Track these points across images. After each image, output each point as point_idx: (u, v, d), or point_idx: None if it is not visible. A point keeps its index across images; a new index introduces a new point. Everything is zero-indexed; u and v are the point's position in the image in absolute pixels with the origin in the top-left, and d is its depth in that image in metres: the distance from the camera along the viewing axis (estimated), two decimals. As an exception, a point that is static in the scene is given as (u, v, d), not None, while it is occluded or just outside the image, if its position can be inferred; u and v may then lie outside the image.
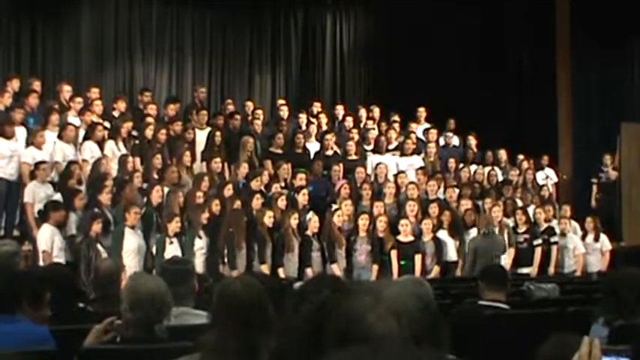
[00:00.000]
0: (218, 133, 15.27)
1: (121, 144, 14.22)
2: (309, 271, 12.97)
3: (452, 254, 14.35)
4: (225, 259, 12.82)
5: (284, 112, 17.31)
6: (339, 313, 2.11)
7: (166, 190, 13.26)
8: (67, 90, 15.23)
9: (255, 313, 3.92)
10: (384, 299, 2.07)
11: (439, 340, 2.12)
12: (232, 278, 4.71)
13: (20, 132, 13.47)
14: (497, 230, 14.03)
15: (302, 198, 14.09)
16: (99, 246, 11.58)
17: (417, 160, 16.56)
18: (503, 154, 17.62)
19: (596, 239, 15.29)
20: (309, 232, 13.38)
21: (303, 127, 16.86)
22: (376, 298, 2.08)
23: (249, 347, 3.71)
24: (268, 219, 13.04)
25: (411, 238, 13.87)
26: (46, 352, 4.53)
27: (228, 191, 13.63)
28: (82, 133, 14.04)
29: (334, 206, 14.24)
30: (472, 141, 17.87)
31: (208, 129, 15.58)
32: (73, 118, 14.42)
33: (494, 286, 7.10)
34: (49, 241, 11.54)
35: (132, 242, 12.07)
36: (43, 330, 4.92)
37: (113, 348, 4.75)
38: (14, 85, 14.61)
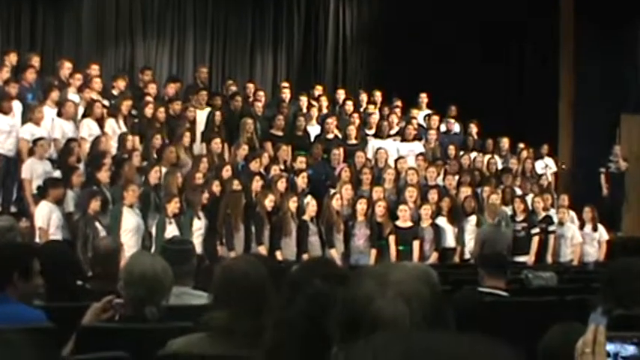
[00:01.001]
0: (218, 114, 15.24)
1: (121, 122, 14.19)
2: (305, 257, 12.93)
3: (450, 241, 14.37)
4: (223, 240, 12.79)
5: (286, 94, 17.27)
6: (345, 299, 2.08)
7: (164, 170, 13.22)
8: (67, 67, 15.15)
9: (260, 292, 3.90)
10: (392, 283, 2.04)
11: (447, 323, 2.10)
12: (235, 259, 4.68)
13: (17, 107, 13.41)
14: (504, 220, 14.02)
15: (301, 181, 14.07)
16: (97, 224, 11.56)
17: (418, 146, 16.55)
18: (505, 142, 17.62)
19: (594, 229, 15.31)
20: (306, 217, 13.35)
21: (304, 110, 16.81)
22: (383, 283, 2.05)
23: (254, 328, 3.68)
24: (269, 202, 13.01)
25: (409, 223, 13.87)
26: (44, 329, 4.50)
27: (227, 172, 13.60)
28: (80, 110, 13.99)
29: (333, 190, 14.21)
30: (473, 128, 17.89)
31: (208, 109, 15.54)
32: (72, 95, 14.36)
33: (494, 273, 7.09)
34: (46, 218, 11.51)
35: (130, 221, 12.04)
36: (36, 312, 4.87)
37: (112, 326, 4.72)
38: (12, 59, 14.54)
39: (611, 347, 2.63)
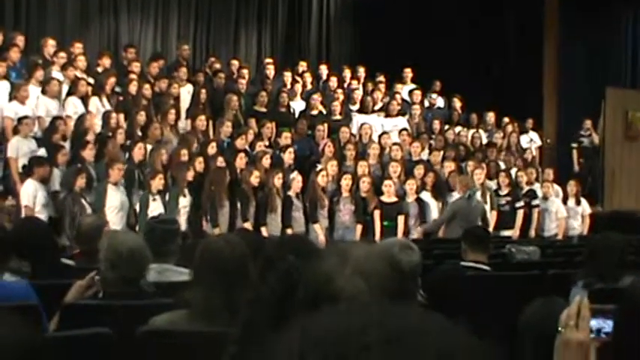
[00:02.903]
0: (203, 91, 15.23)
1: (105, 100, 14.17)
2: (289, 232, 12.97)
3: (434, 215, 14.39)
4: (208, 217, 12.82)
5: (270, 70, 17.25)
6: (308, 276, 2.12)
7: (149, 147, 13.22)
8: (51, 45, 15.10)
9: (238, 270, 3.94)
10: (351, 260, 2.08)
11: (409, 299, 2.13)
12: (215, 237, 4.72)
13: (1, 86, 13.38)
14: (479, 193, 14.05)
15: (287, 157, 14.09)
16: (83, 201, 11.59)
17: (402, 121, 16.56)
18: (491, 116, 17.70)
19: (578, 203, 15.38)
20: (291, 193, 13.38)
21: (288, 86, 16.80)
22: (343, 260, 2.08)
23: (233, 304, 3.73)
24: (254, 178, 13.03)
25: (394, 199, 13.90)
26: (28, 306, 4.53)
27: (212, 149, 13.61)
28: (65, 88, 13.97)
29: (319, 166, 14.23)
30: (457, 103, 17.92)
31: (189, 85, 15.52)
32: (56, 73, 14.32)
33: (476, 247, 7.15)
34: (31, 196, 11.51)
35: (115, 199, 12.05)
36: (21, 285, 4.91)
37: (95, 303, 4.76)
38: (-3, 39, 14.51)
39: (593, 323, 2.66)
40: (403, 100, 17.41)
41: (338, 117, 16.06)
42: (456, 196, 14.32)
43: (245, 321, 2.98)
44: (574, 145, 17.99)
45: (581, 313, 2.57)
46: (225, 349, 2.93)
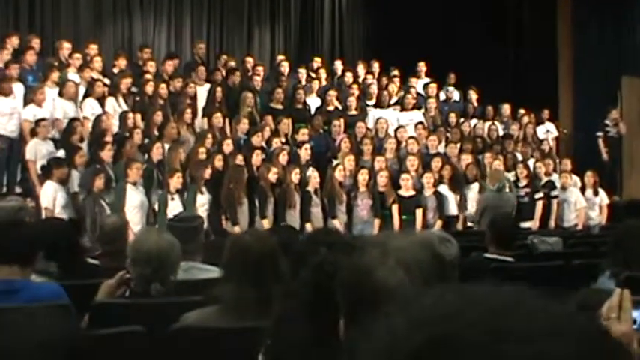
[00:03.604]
0: (219, 89, 15.24)
1: (121, 100, 14.20)
2: (308, 227, 12.97)
3: (453, 209, 14.38)
4: (228, 215, 12.84)
5: (284, 67, 17.26)
6: (348, 268, 2.11)
7: (167, 146, 13.25)
8: (66, 47, 15.19)
9: (268, 265, 3.95)
10: (392, 251, 2.07)
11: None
12: (243, 233, 4.73)
13: (18, 89, 13.43)
14: (507, 186, 14.04)
15: (304, 153, 14.10)
16: (102, 202, 11.62)
17: (418, 115, 16.54)
18: (506, 108, 17.66)
19: (595, 193, 15.33)
20: (309, 188, 13.39)
21: (303, 83, 16.80)
22: (383, 251, 2.07)
23: (264, 299, 3.73)
24: (272, 175, 13.05)
25: (412, 192, 13.90)
26: (60, 306, 4.55)
27: (228, 147, 13.62)
28: (81, 90, 14.01)
29: (335, 162, 14.23)
30: (473, 95, 17.89)
31: (207, 85, 15.55)
32: (72, 74, 14.38)
33: (501, 240, 7.12)
34: (51, 198, 11.55)
35: (134, 198, 12.07)
36: (53, 285, 4.93)
37: (125, 302, 4.77)
38: (13, 42, 14.55)
39: (635, 314, 2.62)
40: (418, 93, 17.38)
41: (354, 112, 16.06)
42: (474, 188, 14.31)
43: (279, 315, 2.99)
44: (599, 134, 17.78)
45: (622, 305, 2.54)
46: (258, 343, 2.94)
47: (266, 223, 12.78)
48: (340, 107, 16.21)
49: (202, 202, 12.65)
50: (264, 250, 4.00)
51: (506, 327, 0.97)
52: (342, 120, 15.57)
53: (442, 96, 17.97)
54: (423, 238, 2.22)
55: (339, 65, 18.27)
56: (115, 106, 14.01)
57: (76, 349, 1.79)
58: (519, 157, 15.90)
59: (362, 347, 1.09)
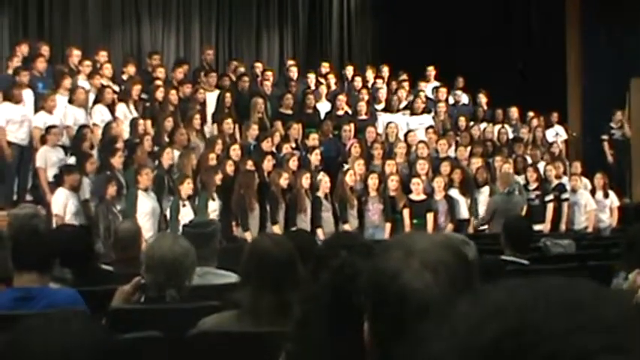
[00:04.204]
0: (228, 95, 15.25)
1: (132, 107, 14.23)
2: (319, 232, 12.97)
3: (464, 212, 14.38)
4: (239, 221, 12.84)
5: (293, 72, 17.27)
6: (371, 272, 2.09)
7: (177, 153, 13.26)
8: (76, 54, 15.23)
9: (287, 270, 3.94)
10: (416, 253, 2.05)
11: (474, 288, 2.09)
12: (261, 237, 4.72)
13: (28, 96, 13.46)
14: (517, 189, 14.04)
15: (315, 158, 14.11)
16: (114, 209, 11.63)
17: (427, 119, 16.54)
18: (514, 111, 17.65)
19: (606, 196, 15.31)
20: (320, 193, 13.39)
21: (312, 88, 16.82)
22: (408, 253, 2.06)
23: (283, 304, 3.73)
24: (283, 180, 13.05)
25: (423, 196, 13.90)
26: (81, 312, 4.56)
27: (235, 152, 13.60)
28: (91, 97, 14.04)
29: (346, 166, 14.24)
30: (482, 99, 17.89)
31: (216, 91, 15.57)
32: (82, 81, 14.41)
33: (517, 241, 7.11)
34: (62, 205, 11.55)
35: (146, 205, 12.07)
36: (69, 291, 4.94)
37: (141, 308, 4.77)
38: (23, 50, 14.60)
39: None
40: (427, 97, 17.38)
41: (364, 117, 16.06)
42: (484, 191, 14.31)
43: (300, 319, 2.98)
44: (604, 137, 17.80)
45: None
46: (279, 347, 2.93)
47: (277, 229, 12.76)
48: (350, 112, 16.22)
49: (213, 207, 12.65)
50: (283, 255, 4.00)
51: (584, 318, 0.98)
52: (351, 125, 15.58)
53: (451, 100, 17.96)
54: (446, 239, 2.21)
55: (349, 70, 18.26)
56: (125, 112, 14.03)
57: (110, 354, 1.79)
58: (529, 160, 15.89)
59: (429, 342, 1.09)
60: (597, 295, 1.02)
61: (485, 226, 13.91)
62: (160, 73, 15.67)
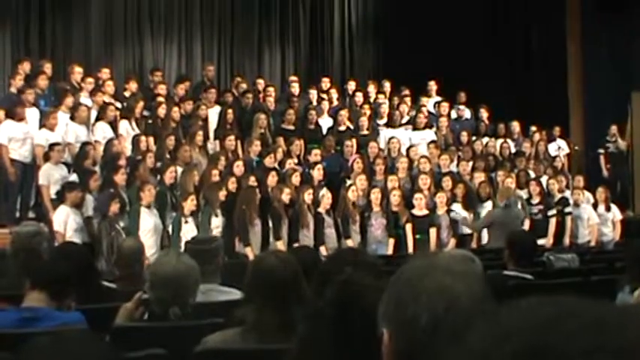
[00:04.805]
0: (230, 111, 15.26)
1: (134, 124, 14.24)
2: (322, 249, 12.94)
3: (466, 227, 14.34)
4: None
5: (295, 88, 17.30)
6: (397, 279, 2.05)
7: (179, 169, 13.26)
8: (78, 71, 15.23)
9: (291, 287, 3.93)
10: (439, 263, 2.03)
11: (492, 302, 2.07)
12: (265, 254, 4.71)
13: (31, 114, 13.47)
14: (519, 203, 14.03)
15: (317, 173, 14.10)
16: (117, 226, 11.61)
17: (429, 134, 16.55)
18: (516, 125, 17.68)
19: (608, 209, 15.30)
20: (322, 209, 13.37)
21: (314, 103, 16.84)
22: (431, 263, 2.04)
23: (287, 321, 3.72)
24: (286, 196, 13.05)
25: (425, 211, 13.87)
26: (87, 331, 4.54)
27: (238, 168, 13.61)
28: (93, 114, 14.05)
29: (348, 182, 14.24)
30: (484, 113, 17.93)
31: (217, 107, 15.58)
32: (84, 99, 14.43)
33: (521, 257, 7.10)
34: (62, 221, 11.54)
35: (148, 222, 12.05)
36: (76, 314, 4.93)
37: (145, 325, 4.76)
38: (25, 67, 14.62)
39: None
40: (429, 112, 17.39)
41: (365, 132, 16.08)
42: (487, 206, 14.29)
43: (304, 336, 2.97)
44: (601, 151, 17.88)
45: None
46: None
47: (280, 245, 12.74)
48: (352, 127, 16.23)
49: (216, 224, 12.63)
50: (288, 272, 3.98)
51: (604, 339, 0.97)
52: (354, 140, 15.60)
53: (453, 114, 17.96)
54: (464, 255, 2.19)
55: (351, 85, 18.28)
56: (127, 129, 14.04)
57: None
58: (532, 174, 15.90)
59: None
60: (617, 316, 1.02)
61: (484, 240, 13.90)
62: (162, 89, 15.69)
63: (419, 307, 1.88)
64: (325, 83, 18.13)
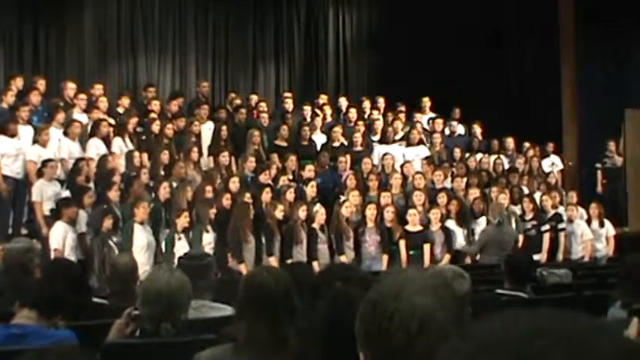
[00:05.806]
0: (224, 127, 15.27)
1: (127, 140, 14.22)
2: (315, 264, 12.90)
3: (461, 243, 14.34)
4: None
5: (289, 104, 17.32)
6: (367, 301, 2.06)
7: (174, 185, 13.24)
8: (71, 87, 15.22)
9: (283, 303, 3.92)
10: (410, 281, 2.03)
11: (464, 322, 2.07)
12: (257, 270, 4.69)
13: (24, 130, 13.44)
14: (513, 219, 14.04)
15: (310, 190, 14.09)
16: (110, 242, 11.57)
17: (423, 150, 16.56)
18: (510, 142, 17.71)
19: (601, 225, 15.30)
20: (315, 225, 13.35)
21: (308, 119, 16.85)
22: (402, 282, 2.03)
23: (278, 337, 3.71)
24: (279, 212, 13.03)
25: (419, 227, 13.85)
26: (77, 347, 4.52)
27: (234, 184, 13.61)
28: (87, 130, 14.03)
29: (342, 198, 14.23)
30: (477, 129, 17.94)
31: (210, 123, 15.58)
32: (77, 115, 14.40)
33: (518, 277, 7.10)
34: (61, 238, 11.50)
35: (142, 238, 12.01)
36: (67, 332, 4.92)
37: (136, 342, 4.74)
38: (18, 83, 14.60)
39: None
40: (423, 128, 17.41)
41: (359, 148, 16.09)
42: (481, 222, 14.29)
43: (296, 351, 2.96)
44: (598, 165, 17.91)
45: None
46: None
47: (273, 261, 12.72)
48: (346, 143, 16.23)
49: (208, 240, 12.61)
50: (280, 288, 3.98)
51: (580, 352, 0.96)
52: (347, 156, 15.61)
53: (447, 131, 17.98)
54: (436, 274, 2.18)
55: (343, 102, 18.30)
56: (121, 145, 14.02)
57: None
58: (525, 190, 15.90)
59: None
60: (594, 329, 1.01)
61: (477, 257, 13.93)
62: (155, 105, 15.68)
63: (392, 326, 1.88)
64: (322, 99, 18.17)
